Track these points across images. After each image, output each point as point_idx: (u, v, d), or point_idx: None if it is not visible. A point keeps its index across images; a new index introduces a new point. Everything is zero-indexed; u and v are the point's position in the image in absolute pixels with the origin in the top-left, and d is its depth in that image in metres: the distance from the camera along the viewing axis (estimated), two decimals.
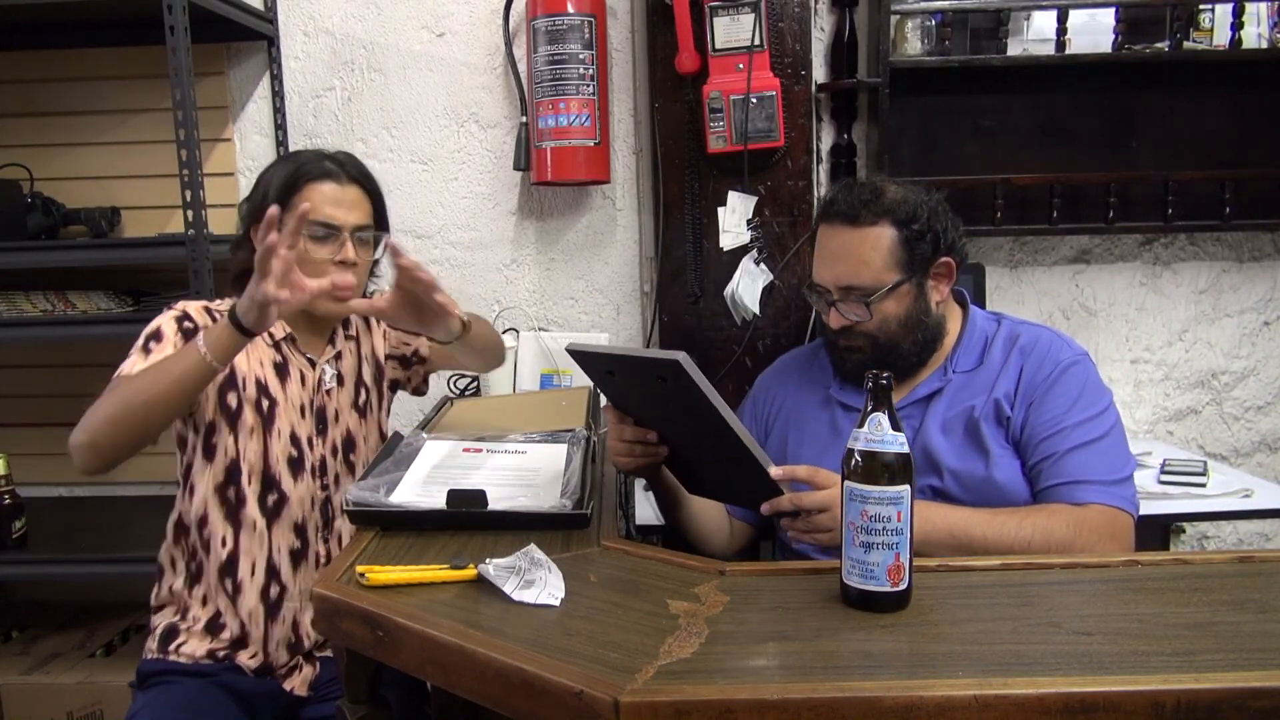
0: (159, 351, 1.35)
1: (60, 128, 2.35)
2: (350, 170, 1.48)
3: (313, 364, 1.50)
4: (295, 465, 1.46)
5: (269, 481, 1.44)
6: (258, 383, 1.45)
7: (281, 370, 1.48)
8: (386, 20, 2.34)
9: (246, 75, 2.37)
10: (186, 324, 1.40)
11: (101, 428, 1.27)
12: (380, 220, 1.53)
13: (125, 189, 2.34)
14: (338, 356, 1.55)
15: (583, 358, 1.24)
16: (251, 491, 1.43)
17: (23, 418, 2.44)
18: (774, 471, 1.18)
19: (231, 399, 1.42)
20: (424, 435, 1.50)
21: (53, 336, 2.09)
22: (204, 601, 1.45)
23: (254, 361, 1.45)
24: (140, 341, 1.37)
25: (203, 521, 1.43)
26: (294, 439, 1.47)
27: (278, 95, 2.34)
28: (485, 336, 1.59)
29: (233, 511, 1.43)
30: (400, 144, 2.38)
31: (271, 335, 1.47)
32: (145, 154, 2.33)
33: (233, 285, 1.49)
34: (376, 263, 1.52)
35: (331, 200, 1.44)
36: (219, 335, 1.26)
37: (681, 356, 1.08)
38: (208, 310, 1.44)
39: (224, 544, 1.43)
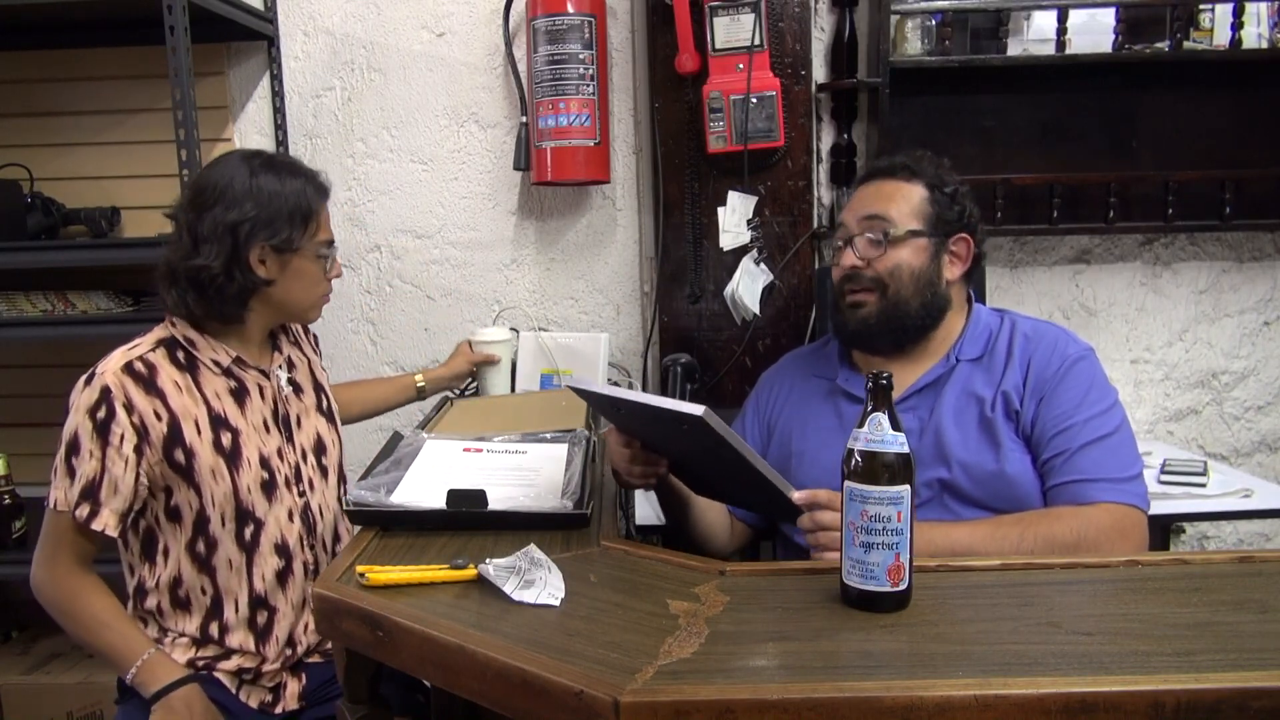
0: (80, 467, 1.31)
1: (60, 128, 2.35)
2: (328, 185, 1.49)
3: (266, 374, 1.47)
4: (268, 487, 1.42)
5: (243, 516, 1.40)
6: (214, 419, 1.39)
7: (239, 394, 1.43)
8: (386, 20, 2.34)
9: (246, 75, 2.37)
10: (100, 415, 1.30)
11: (50, 611, 1.40)
12: None
13: (125, 189, 2.34)
14: (290, 363, 1.53)
15: (587, 395, 1.23)
16: (226, 533, 1.39)
17: (23, 418, 2.44)
18: (796, 497, 1.19)
19: (179, 455, 1.35)
20: (424, 435, 1.50)
21: (53, 336, 2.09)
22: (185, 639, 1.42)
23: (206, 399, 1.39)
24: (62, 454, 1.32)
25: (176, 583, 1.40)
26: (263, 462, 1.42)
27: (278, 95, 2.34)
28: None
29: (204, 562, 1.39)
30: (400, 144, 2.38)
31: (219, 364, 1.42)
32: (145, 154, 2.33)
33: (188, 288, 1.36)
34: None
35: (329, 218, 1.47)
36: (145, 685, 1.34)
37: (704, 411, 1.05)
38: (130, 370, 1.33)
39: (204, 592, 1.40)
